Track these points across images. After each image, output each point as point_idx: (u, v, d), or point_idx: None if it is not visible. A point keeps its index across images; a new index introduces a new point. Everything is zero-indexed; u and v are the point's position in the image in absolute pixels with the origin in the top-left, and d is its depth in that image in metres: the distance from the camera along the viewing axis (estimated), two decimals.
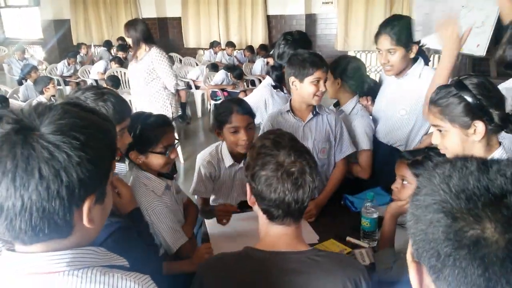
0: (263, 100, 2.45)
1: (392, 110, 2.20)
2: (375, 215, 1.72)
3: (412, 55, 2.05)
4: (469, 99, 1.24)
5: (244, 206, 2.17)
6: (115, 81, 6.08)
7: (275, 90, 2.46)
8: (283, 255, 1.09)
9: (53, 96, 4.98)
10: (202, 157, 2.02)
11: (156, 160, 1.62)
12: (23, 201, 0.67)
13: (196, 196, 2.09)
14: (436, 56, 6.95)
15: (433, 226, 0.57)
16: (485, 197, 0.54)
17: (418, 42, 2.02)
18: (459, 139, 1.29)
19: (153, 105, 3.59)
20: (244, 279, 1.08)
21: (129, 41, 3.66)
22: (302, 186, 1.07)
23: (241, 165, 2.02)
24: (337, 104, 2.48)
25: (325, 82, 1.99)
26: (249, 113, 1.92)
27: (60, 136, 0.69)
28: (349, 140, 2.17)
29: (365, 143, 2.23)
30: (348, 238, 1.76)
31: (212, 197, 2.11)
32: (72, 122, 0.72)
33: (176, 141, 1.71)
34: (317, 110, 2.08)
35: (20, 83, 7.80)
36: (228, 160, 2.00)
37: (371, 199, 1.73)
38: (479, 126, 1.24)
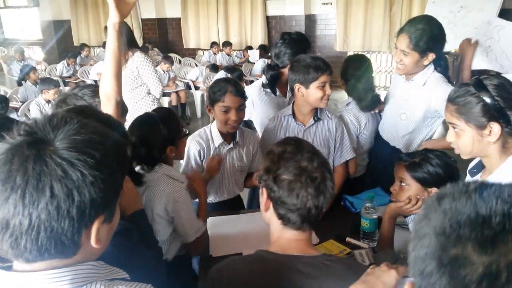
0: (250, 100, 2.42)
1: (395, 113, 2.20)
2: (374, 216, 1.72)
3: (426, 62, 2.00)
4: (488, 100, 1.21)
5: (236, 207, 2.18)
6: None
7: (263, 91, 2.43)
8: (295, 259, 1.08)
9: (49, 101, 4.93)
10: (191, 137, 2.08)
11: (182, 146, 1.76)
12: (31, 219, 0.63)
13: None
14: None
15: (422, 243, 0.57)
16: (471, 217, 0.54)
17: (436, 52, 1.97)
18: (473, 139, 1.27)
19: (137, 113, 3.42)
20: (257, 282, 1.07)
21: None
22: (323, 192, 1.07)
23: (231, 145, 2.10)
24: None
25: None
26: (242, 95, 2.00)
27: (75, 153, 0.65)
28: (350, 146, 2.17)
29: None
30: (347, 239, 1.76)
31: None
32: (88, 139, 0.68)
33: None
34: (318, 115, 2.08)
35: (19, 84, 7.80)
36: (217, 139, 2.06)
37: (371, 200, 1.73)
38: (495, 128, 1.22)
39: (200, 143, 2.05)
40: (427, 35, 1.93)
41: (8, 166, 0.64)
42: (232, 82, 2.02)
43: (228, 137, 2.09)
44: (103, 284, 0.72)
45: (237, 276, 1.09)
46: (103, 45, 9.18)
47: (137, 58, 3.33)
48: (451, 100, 1.30)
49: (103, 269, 0.75)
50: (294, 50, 2.31)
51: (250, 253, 1.14)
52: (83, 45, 9.33)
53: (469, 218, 0.54)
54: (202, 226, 1.71)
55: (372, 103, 2.30)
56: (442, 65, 2.08)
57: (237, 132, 2.10)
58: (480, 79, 1.26)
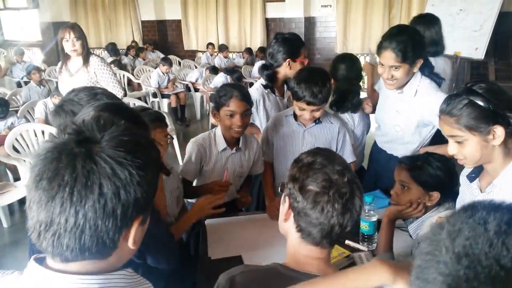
0: (254, 102, 2.44)
1: (389, 124, 2.20)
2: (374, 219, 1.72)
3: (415, 70, 1.98)
4: (483, 104, 1.22)
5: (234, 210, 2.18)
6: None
7: (265, 91, 2.44)
8: (312, 278, 1.00)
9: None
10: (194, 140, 2.08)
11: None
12: (77, 217, 0.63)
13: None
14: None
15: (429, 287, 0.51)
16: (490, 269, 0.45)
17: (423, 57, 1.96)
18: (479, 147, 1.26)
19: None
20: None
21: (77, 44, 3.17)
22: (350, 210, 0.99)
23: (233, 151, 2.09)
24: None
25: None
26: (247, 100, 1.99)
27: (123, 153, 0.66)
28: (351, 150, 2.18)
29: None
30: (347, 242, 1.76)
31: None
32: (135, 140, 0.70)
33: (169, 137, 1.76)
34: (320, 119, 2.08)
35: (19, 85, 7.79)
36: (221, 144, 2.06)
37: (370, 203, 1.73)
38: (498, 130, 1.22)
39: (203, 146, 2.05)
40: (411, 44, 1.89)
41: (55, 164, 0.64)
42: (238, 87, 2.03)
43: (231, 142, 2.09)
44: None
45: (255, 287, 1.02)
46: (107, 47, 9.17)
47: (93, 63, 3.17)
48: (447, 113, 1.28)
49: (131, 279, 0.75)
50: (286, 49, 2.33)
51: (267, 265, 1.07)
52: None
53: (489, 272, 0.45)
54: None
55: (354, 106, 2.36)
56: (429, 65, 2.06)
57: (241, 137, 2.10)
58: (469, 86, 1.26)
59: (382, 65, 1.97)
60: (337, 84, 2.35)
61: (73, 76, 3.16)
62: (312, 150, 1.10)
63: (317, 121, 2.08)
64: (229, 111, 1.96)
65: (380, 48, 1.96)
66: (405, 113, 2.07)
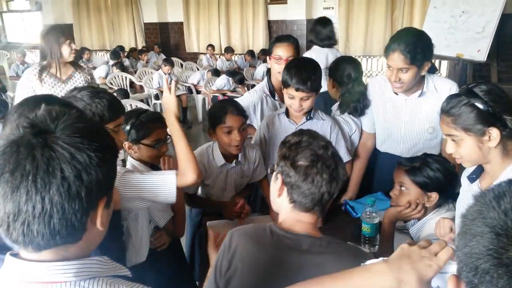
0: (252, 104, 2.42)
1: (418, 130, 2.12)
2: (375, 221, 1.72)
3: (423, 73, 1.96)
4: (481, 106, 1.23)
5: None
6: (124, 94, 6.02)
7: (264, 94, 2.43)
8: (300, 237, 1.13)
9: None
10: None
11: (146, 152, 1.74)
12: (43, 203, 0.66)
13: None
14: (437, 60, 6.97)
15: (476, 240, 0.57)
16: None
17: (430, 60, 1.95)
18: (474, 147, 1.27)
19: None
20: (266, 244, 1.13)
21: (74, 47, 2.96)
22: (336, 179, 1.12)
23: (233, 164, 2.07)
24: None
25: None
26: (243, 114, 1.98)
27: (79, 138, 0.70)
28: (345, 149, 2.16)
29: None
30: (348, 243, 1.76)
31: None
32: (88, 126, 0.74)
33: (168, 137, 1.78)
34: (311, 115, 2.08)
35: None
36: (219, 160, 2.04)
37: (372, 204, 1.73)
38: (494, 133, 1.23)
39: (201, 163, 2.00)
40: (420, 46, 1.87)
41: (15, 157, 0.67)
42: (231, 102, 2.04)
43: (230, 156, 2.06)
44: (105, 282, 0.74)
45: (255, 243, 1.14)
46: (111, 52, 9.17)
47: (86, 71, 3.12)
48: (445, 112, 1.31)
49: (107, 265, 0.78)
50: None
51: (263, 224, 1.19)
52: (84, 49, 9.33)
53: None
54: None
55: (364, 108, 2.27)
56: (433, 67, 2.10)
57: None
58: (469, 87, 1.28)
59: (390, 67, 1.95)
60: (342, 85, 2.32)
61: (66, 83, 2.98)
62: (297, 131, 1.23)
63: (308, 117, 2.07)
64: (226, 128, 1.92)
65: (388, 50, 1.93)
66: (435, 112, 1.99)
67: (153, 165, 1.82)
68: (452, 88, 1.99)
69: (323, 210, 1.16)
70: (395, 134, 2.19)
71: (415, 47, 1.86)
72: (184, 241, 2.23)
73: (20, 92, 2.95)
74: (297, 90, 1.92)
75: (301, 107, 1.98)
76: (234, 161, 2.08)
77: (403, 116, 2.12)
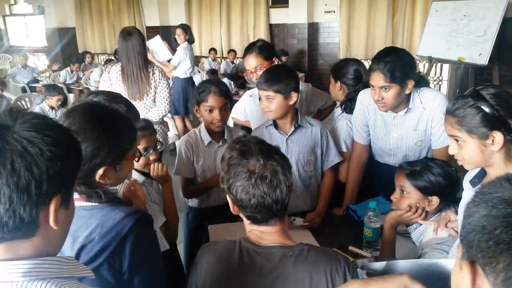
0: (243, 109, 2.64)
1: (409, 144, 2.13)
2: (377, 225, 1.71)
3: (407, 91, 1.95)
4: (487, 109, 1.22)
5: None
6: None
7: (251, 98, 2.54)
8: (270, 249, 1.14)
9: (53, 108, 4.86)
10: (182, 138, 2.20)
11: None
12: None
13: (194, 202, 2.24)
14: (439, 64, 6.97)
15: (492, 215, 0.57)
16: None
17: (413, 78, 1.94)
18: (477, 150, 1.26)
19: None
20: (233, 268, 1.13)
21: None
22: (278, 186, 1.10)
23: (220, 143, 2.16)
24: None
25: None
26: (226, 95, 2.09)
27: (34, 132, 0.71)
28: (336, 150, 2.17)
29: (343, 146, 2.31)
30: (350, 248, 1.75)
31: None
32: (45, 122, 0.76)
33: (159, 145, 1.82)
34: (299, 122, 2.07)
35: (24, 90, 7.85)
36: (206, 138, 2.14)
37: (374, 208, 1.72)
38: (498, 137, 1.22)
39: (190, 142, 2.14)
40: (400, 64, 1.88)
41: None
42: (216, 83, 2.12)
43: (216, 136, 2.16)
44: (55, 284, 0.73)
45: (217, 259, 1.16)
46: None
47: (157, 73, 3.10)
48: (450, 112, 1.30)
49: (68, 265, 0.78)
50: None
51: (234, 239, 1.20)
52: (86, 52, 9.37)
53: None
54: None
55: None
56: (422, 81, 2.06)
57: (225, 130, 2.18)
58: (476, 89, 1.27)
59: (373, 87, 1.95)
60: (350, 86, 2.33)
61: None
62: (229, 145, 1.22)
63: (296, 125, 2.07)
64: (208, 107, 2.06)
65: (369, 70, 1.96)
66: (422, 126, 2.04)
67: (144, 173, 1.80)
68: (436, 98, 1.98)
69: (282, 216, 1.16)
70: (386, 148, 2.21)
71: (394, 65, 1.87)
72: (179, 245, 2.23)
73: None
74: (260, 89, 2.00)
75: (268, 108, 2.00)
76: (221, 140, 2.17)
77: (391, 132, 2.14)
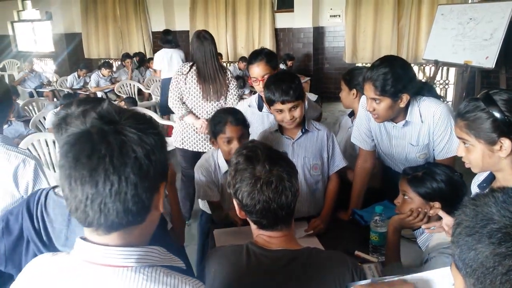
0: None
1: (407, 156, 2.10)
2: (383, 229, 1.70)
3: (402, 105, 1.86)
4: (498, 115, 1.20)
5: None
6: (133, 102, 6.01)
7: (248, 107, 2.49)
8: (278, 253, 1.14)
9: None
10: (199, 165, 2.12)
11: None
12: (120, 181, 0.73)
13: (205, 205, 2.22)
14: (445, 68, 6.94)
15: (501, 254, 0.62)
16: None
17: (409, 92, 1.85)
18: (484, 155, 1.25)
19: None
20: (242, 271, 1.14)
21: None
22: (283, 192, 1.11)
23: None
24: (352, 114, 2.51)
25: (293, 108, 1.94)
26: (243, 123, 2.04)
27: (143, 125, 0.78)
28: (341, 154, 2.16)
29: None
30: (356, 252, 1.74)
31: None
32: (145, 116, 0.83)
33: None
34: (306, 127, 2.06)
35: (31, 95, 7.92)
36: (224, 167, 2.07)
37: (380, 213, 1.71)
38: (506, 143, 1.21)
39: (209, 170, 2.07)
40: (391, 78, 1.78)
41: (90, 143, 0.74)
42: (231, 112, 2.07)
43: None
44: (162, 271, 0.79)
45: (227, 263, 1.17)
46: (123, 57, 9.10)
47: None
48: (460, 115, 1.29)
49: (164, 255, 0.83)
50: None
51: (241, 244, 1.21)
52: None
53: None
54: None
55: None
56: (426, 89, 1.97)
57: None
58: (489, 94, 1.25)
59: (367, 98, 1.91)
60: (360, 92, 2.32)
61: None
62: (236, 150, 1.25)
63: (303, 130, 2.05)
64: (226, 138, 1.99)
65: (363, 79, 1.90)
66: (424, 140, 1.99)
67: None
68: (436, 112, 1.89)
69: (289, 221, 1.17)
70: (390, 156, 2.19)
71: (385, 78, 1.79)
72: (188, 249, 2.23)
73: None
74: (282, 102, 1.91)
75: (293, 118, 1.95)
76: None
77: (393, 141, 2.10)
